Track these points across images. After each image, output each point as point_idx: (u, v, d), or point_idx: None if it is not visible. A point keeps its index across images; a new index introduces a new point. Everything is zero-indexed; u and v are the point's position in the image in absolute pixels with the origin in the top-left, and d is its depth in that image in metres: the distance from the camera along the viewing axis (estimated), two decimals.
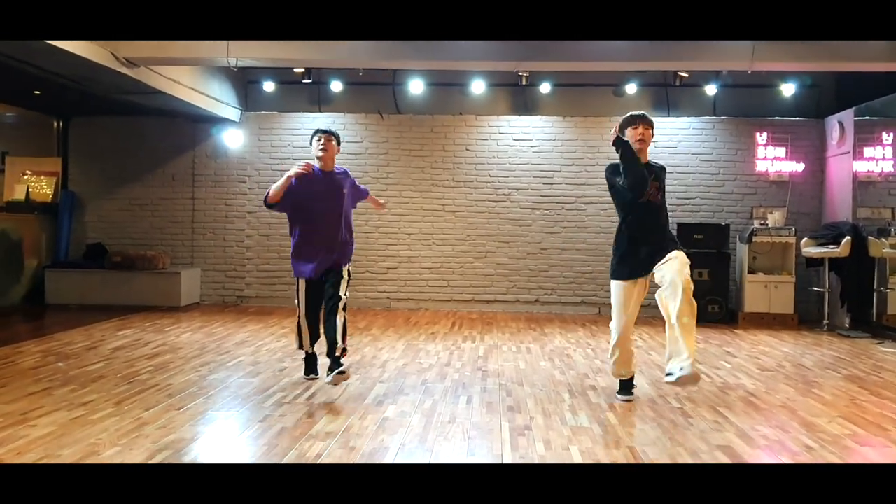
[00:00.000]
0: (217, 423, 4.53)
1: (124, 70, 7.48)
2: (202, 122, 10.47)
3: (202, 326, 8.52)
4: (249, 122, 10.66)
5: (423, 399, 5.22)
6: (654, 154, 10.10)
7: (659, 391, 5.60)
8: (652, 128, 5.29)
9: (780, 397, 5.47)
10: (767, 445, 4.25)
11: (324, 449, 3.98)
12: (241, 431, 4.38)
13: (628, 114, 5.34)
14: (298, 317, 5.65)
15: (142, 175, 10.78)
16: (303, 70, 9.33)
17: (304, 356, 5.87)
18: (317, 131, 5.72)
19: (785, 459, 4.01)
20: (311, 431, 4.32)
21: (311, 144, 5.71)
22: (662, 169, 5.41)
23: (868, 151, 9.43)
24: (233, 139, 10.57)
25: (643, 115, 5.30)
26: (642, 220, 5.21)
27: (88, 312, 9.21)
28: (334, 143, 5.69)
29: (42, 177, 10.99)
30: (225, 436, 4.30)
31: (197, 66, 8.80)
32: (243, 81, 10.55)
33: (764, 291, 9.52)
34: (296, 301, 5.68)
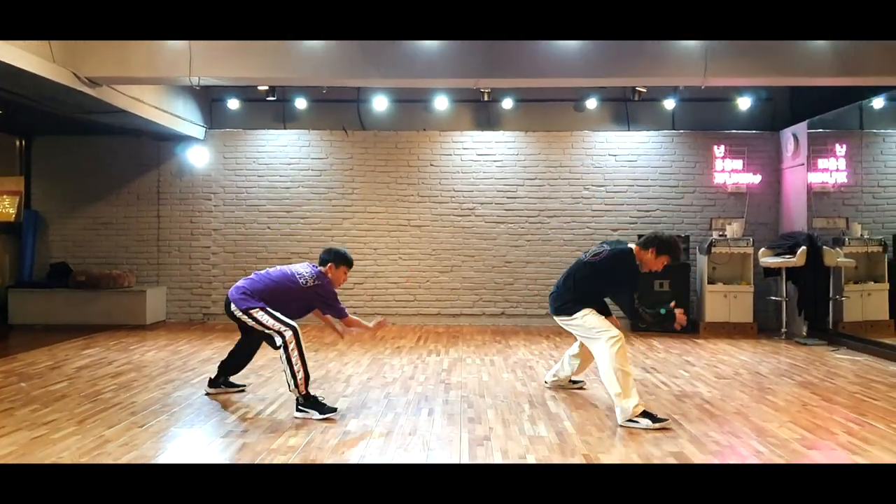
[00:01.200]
0: (179, 439, 4.56)
1: (86, 90, 7.49)
2: (166, 141, 10.49)
3: (168, 344, 8.51)
4: (214, 139, 10.69)
5: (385, 412, 5.29)
6: (614, 167, 10.37)
7: None
8: None
9: (735, 404, 5.62)
10: (718, 451, 4.38)
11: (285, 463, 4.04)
12: (204, 448, 4.42)
13: (671, 242, 5.39)
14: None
15: (106, 194, 10.75)
16: (267, 88, 9.37)
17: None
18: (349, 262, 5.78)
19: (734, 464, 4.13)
20: (273, 446, 4.37)
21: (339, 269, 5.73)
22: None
23: (822, 163, 9.70)
24: (197, 157, 10.59)
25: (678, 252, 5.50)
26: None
27: (53, 332, 9.16)
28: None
29: (5, 196, 10.91)
30: (187, 453, 4.34)
31: (159, 84, 8.82)
32: (207, 99, 10.59)
33: (724, 301, 9.72)
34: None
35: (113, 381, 6.32)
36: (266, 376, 6.61)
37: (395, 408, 5.43)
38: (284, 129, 10.68)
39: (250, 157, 10.67)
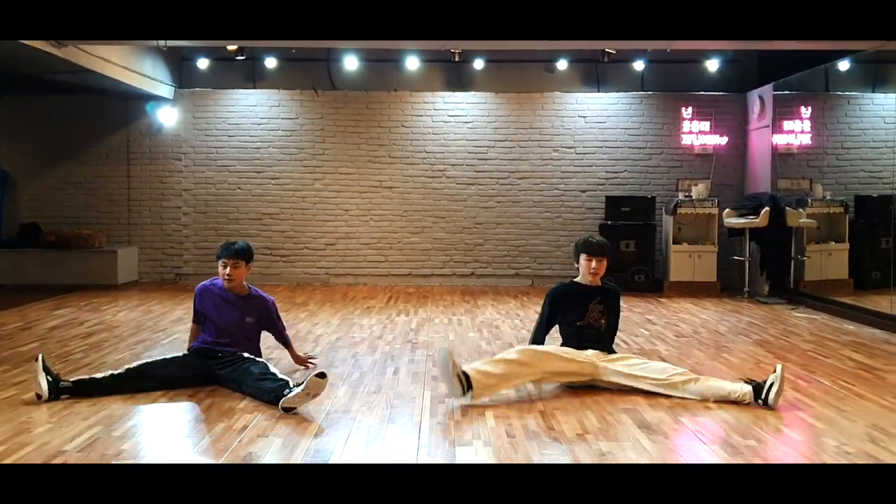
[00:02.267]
0: (148, 397, 4.66)
1: (53, 50, 7.42)
2: (135, 100, 10.40)
3: (139, 304, 8.57)
4: (184, 99, 10.62)
5: (351, 371, 5.43)
6: (583, 129, 10.46)
7: None
8: (606, 259, 5.07)
9: (691, 362, 5.81)
10: (670, 407, 4.55)
11: (250, 421, 4.16)
12: (171, 407, 4.53)
13: (587, 239, 5.10)
14: None
15: (75, 153, 10.68)
16: (236, 47, 9.33)
17: None
18: (220, 253, 5.11)
19: (683, 419, 4.31)
20: (240, 405, 4.48)
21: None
22: (614, 293, 5.25)
23: (787, 125, 9.86)
24: (167, 117, 10.53)
25: (602, 247, 5.08)
26: (579, 340, 5.04)
27: (23, 293, 9.16)
28: (242, 266, 5.12)
29: None
30: (155, 411, 4.45)
31: (125, 45, 8.74)
32: (177, 59, 10.49)
33: (688, 261, 9.92)
34: None
35: (84, 342, 6.40)
36: None
37: (362, 367, 5.56)
38: (254, 88, 10.63)
39: (220, 117, 10.63)
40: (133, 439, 3.87)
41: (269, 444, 3.80)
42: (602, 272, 5.12)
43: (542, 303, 5.37)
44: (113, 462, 3.54)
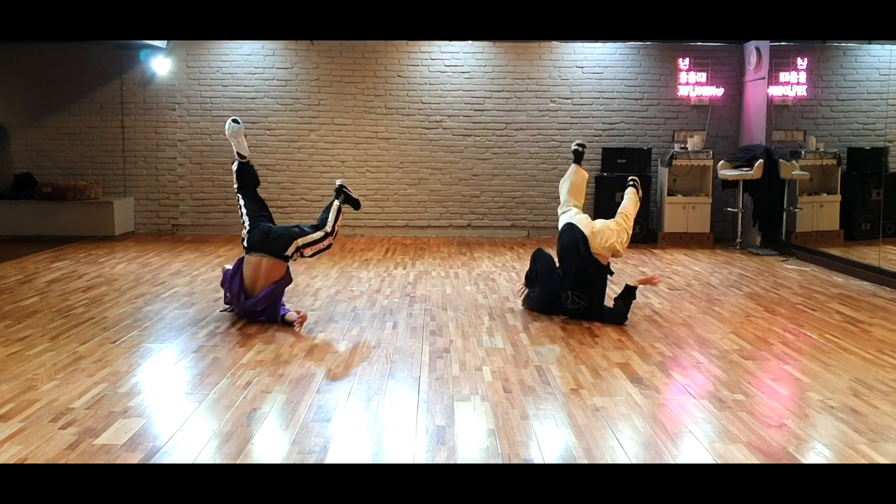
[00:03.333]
0: (152, 355, 4.77)
1: None
2: (128, 49, 10.31)
3: (137, 257, 8.64)
4: (178, 48, 10.52)
5: (351, 326, 5.54)
6: (580, 80, 10.42)
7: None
8: None
9: (682, 315, 5.94)
10: (662, 361, 4.69)
11: (253, 377, 4.27)
12: (175, 363, 4.64)
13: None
14: None
15: (69, 104, 10.62)
16: None
17: None
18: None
19: (675, 374, 4.44)
20: (243, 360, 4.60)
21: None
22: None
23: (783, 76, 9.85)
24: (161, 66, 10.45)
25: None
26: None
27: (20, 244, 9.22)
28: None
29: None
30: (159, 368, 4.56)
31: None
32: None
33: (682, 212, 10.01)
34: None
35: (84, 296, 6.48)
36: None
37: (361, 321, 5.67)
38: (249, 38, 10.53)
39: (214, 67, 10.55)
40: (139, 396, 3.98)
41: (273, 400, 3.91)
42: None
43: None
44: (111, 461, 3.64)
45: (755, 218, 9.73)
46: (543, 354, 4.81)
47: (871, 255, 8.10)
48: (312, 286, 7.02)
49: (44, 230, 9.94)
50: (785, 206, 9.57)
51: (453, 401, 3.93)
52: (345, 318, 5.80)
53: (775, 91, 9.83)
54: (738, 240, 9.73)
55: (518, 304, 6.27)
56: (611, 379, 4.31)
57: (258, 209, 5.79)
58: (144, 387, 4.16)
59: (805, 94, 9.80)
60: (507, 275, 7.73)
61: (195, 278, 7.37)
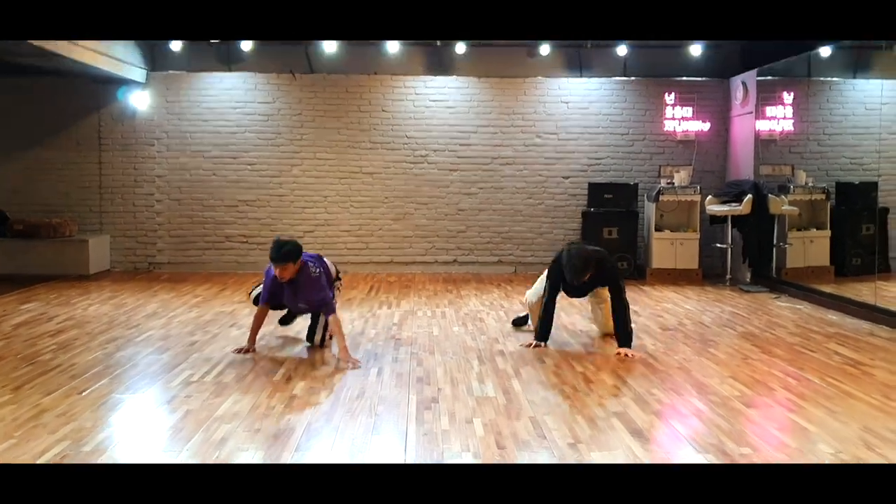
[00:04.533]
0: (121, 407, 4.49)
1: None
2: (106, 84, 10.08)
3: (112, 297, 8.35)
4: (157, 82, 10.32)
5: (333, 373, 5.27)
6: (566, 115, 10.31)
7: (565, 354, 5.79)
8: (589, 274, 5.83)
9: (678, 358, 5.72)
10: (660, 410, 4.47)
11: (229, 433, 3.99)
12: (145, 416, 4.36)
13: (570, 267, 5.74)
14: None
15: (44, 138, 10.35)
16: None
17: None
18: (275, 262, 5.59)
19: (676, 424, 4.22)
20: (218, 413, 4.32)
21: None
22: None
23: (770, 111, 9.78)
24: (139, 101, 10.23)
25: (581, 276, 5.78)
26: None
27: None
28: (291, 266, 5.59)
29: None
30: (128, 422, 4.28)
31: None
32: (149, 41, 10.17)
33: (670, 248, 9.85)
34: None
35: (53, 341, 6.18)
36: (213, 332, 6.54)
37: (344, 369, 5.40)
38: (230, 71, 10.35)
39: (194, 101, 10.35)
40: (104, 455, 3.70)
41: (249, 458, 3.65)
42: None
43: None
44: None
45: (744, 254, 9.59)
46: (537, 403, 4.57)
47: (864, 291, 7.95)
48: (293, 328, 6.74)
49: (15, 269, 9.60)
50: (774, 242, 9.43)
51: (443, 457, 3.68)
52: (326, 364, 5.54)
53: (762, 125, 9.75)
54: (728, 276, 9.57)
55: (507, 346, 6.06)
56: (609, 431, 4.08)
57: None
58: (111, 444, 3.88)
59: (792, 128, 9.72)
60: (496, 314, 7.51)
61: (171, 320, 7.08)
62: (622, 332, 5.85)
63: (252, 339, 5.88)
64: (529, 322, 6.59)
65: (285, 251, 5.50)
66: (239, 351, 5.80)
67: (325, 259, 6.07)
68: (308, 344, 6.00)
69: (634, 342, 5.93)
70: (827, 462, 3.66)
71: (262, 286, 5.92)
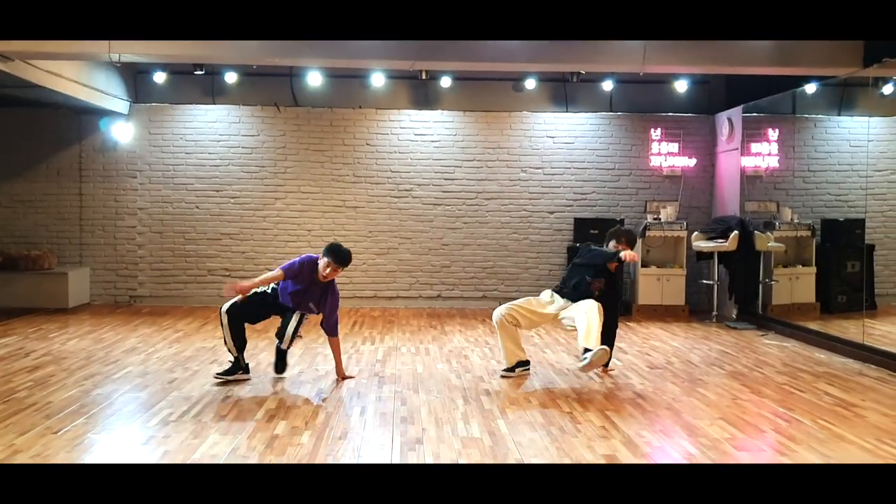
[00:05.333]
0: (95, 448, 4.34)
1: None
2: (88, 114, 9.99)
3: (91, 331, 8.18)
4: (139, 114, 10.24)
5: (315, 412, 5.14)
6: (551, 149, 10.31)
7: (552, 393, 5.70)
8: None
9: (667, 398, 5.64)
10: (650, 453, 4.37)
11: None
12: (120, 458, 4.22)
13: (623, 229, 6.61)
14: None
15: (24, 170, 10.21)
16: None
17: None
18: (335, 260, 5.95)
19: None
20: (196, 455, 4.19)
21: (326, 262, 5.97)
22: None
23: (755, 147, 9.82)
24: (122, 132, 10.14)
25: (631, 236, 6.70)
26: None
27: None
28: (338, 271, 6.04)
29: None
30: (106, 455, 4.13)
31: (77, 60, 8.35)
32: (132, 72, 10.11)
33: (656, 284, 9.80)
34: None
35: (29, 377, 6.01)
36: (193, 369, 6.40)
37: (327, 407, 5.28)
38: (213, 104, 10.28)
39: (178, 133, 10.27)
40: None
41: None
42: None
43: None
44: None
45: (731, 290, 9.57)
46: (524, 445, 4.46)
47: (850, 329, 7.92)
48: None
49: None
50: (760, 279, 9.42)
51: None
52: (308, 403, 5.41)
53: (748, 162, 9.78)
54: (714, 313, 9.53)
55: (492, 384, 5.96)
56: None
57: None
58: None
59: (777, 165, 9.76)
60: (480, 350, 7.40)
61: (150, 356, 6.93)
62: (609, 335, 6.09)
63: (255, 285, 6.03)
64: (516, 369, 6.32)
65: (349, 257, 6.02)
66: (232, 287, 6.00)
67: None
68: (277, 341, 6.13)
69: (621, 379, 5.88)
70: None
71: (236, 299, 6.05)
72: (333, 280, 6.05)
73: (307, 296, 5.99)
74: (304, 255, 6.09)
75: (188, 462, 4.07)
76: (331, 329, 6.11)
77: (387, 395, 5.62)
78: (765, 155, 9.78)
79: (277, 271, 6.00)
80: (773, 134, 9.76)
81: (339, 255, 5.92)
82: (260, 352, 7.10)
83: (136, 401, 5.39)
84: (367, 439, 4.54)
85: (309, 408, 5.25)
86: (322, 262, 5.93)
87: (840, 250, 9.26)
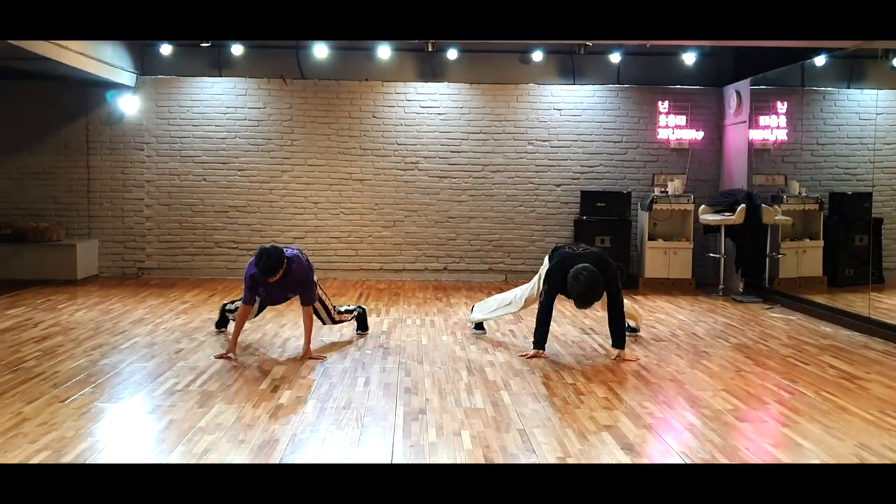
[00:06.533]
0: (102, 416, 4.39)
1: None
2: (95, 87, 9.98)
3: (99, 302, 8.24)
4: (146, 86, 10.22)
5: (320, 382, 5.18)
6: (558, 122, 10.25)
7: (556, 365, 5.72)
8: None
9: (671, 370, 5.65)
10: (652, 424, 4.39)
11: (212, 443, 3.91)
12: (127, 426, 4.27)
13: (579, 291, 5.52)
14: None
15: (31, 142, 10.23)
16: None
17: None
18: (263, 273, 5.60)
19: (668, 439, 4.15)
20: (201, 423, 4.23)
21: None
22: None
23: (763, 120, 9.74)
24: (129, 105, 10.13)
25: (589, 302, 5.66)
26: None
27: None
28: (278, 275, 5.62)
29: None
30: (109, 432, 4.18)
31: None
32: (139, 45, 10.07)
33: (663, 257, 9.80)
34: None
35: (37, 347, 6.08)
36: (199, 340, 6.45)
37: (331, 377, 5.32)
38: (220, 76, 10.25)
39: (184, 106, 10.25)
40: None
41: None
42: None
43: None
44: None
45: (737, 264, 9.54)
46: (527, 416, 4.49)
47: (857, 302, 7.91)
48: (280, 336, 6.66)
49: (2, 274, 9.48)
50: (767, 252, 9.39)
51: None
52: (314, 372, 5.45)
53: (756, 135, 9.71)
54: (721, 286, 9.51)
55: (496, 356, 5.99)
56: (599, 445, 4.00)
57: None
58: (91, 455, 3.78)
59: (786, 138, 9.69)
60: (486, 324, 7.41)
61: (157, 327, 6.98)
62: (617, 332, 5.88)
63: (234, 342, 5.82)
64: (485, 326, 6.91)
65: (273, 263, 5.52)
66: (221, 356, 5.73)
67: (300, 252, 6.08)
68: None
69: (628, 350, 5.92)
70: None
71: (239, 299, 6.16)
72: (291, 274, 5.72)
73: (275, 296, 6.01)
74: (247, 268, 5.82)
75: (194, 427, 4.12)
76: (303, 300, 5.98)
77: (391, 366, 5.66)
78: (773, 128, 9.71)
79: (240, 303, 6.00)
80: (781, 107, 9.68)
81: (259, 267, 5.54)
82: (266, 323, 7.13)
83: (143, 370, 5.45)
84: (370, 409, 4.58)
85: (313, 378, 5.29)
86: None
87: (848, 224, 9.21)
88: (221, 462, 3.67)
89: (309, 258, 6.11)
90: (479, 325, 7.01)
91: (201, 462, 3.67)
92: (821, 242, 9.42)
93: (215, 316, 7.07)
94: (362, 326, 6.84)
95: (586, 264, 5.60)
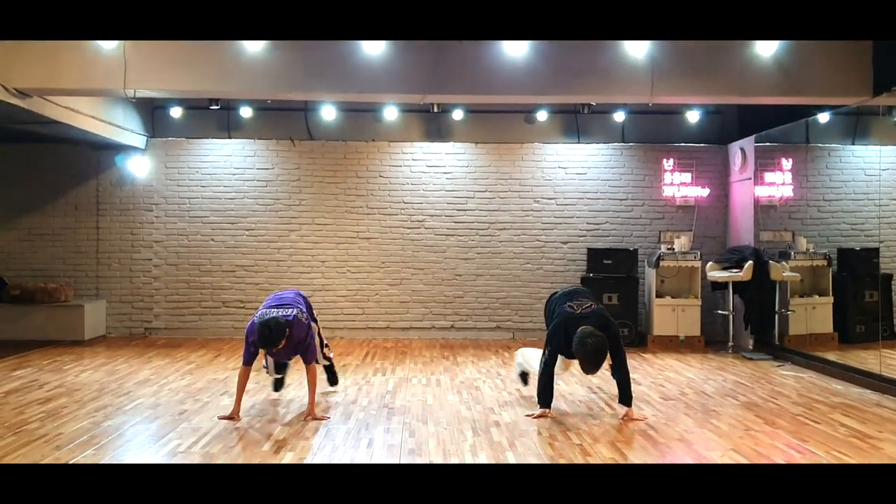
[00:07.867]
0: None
1: (15, 101, 7.18)
2: (105, 149, 10.15)
3: (105, 363, 8.22)
4: (156, 148, 10.39)
5: (323, 444, 5.13)
6: (564, 180, 10.32)
7: (562, 425, 5.65)
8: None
9: (679, 429, 5.57)
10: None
11: None
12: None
13: (585, 357, 5.50)
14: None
15: (42, 204, 10.36)
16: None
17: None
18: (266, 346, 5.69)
19: None
20: None
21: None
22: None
23: (769, 177, 9.78)
24: (138, 166, 10.28)
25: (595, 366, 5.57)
26: None
27: None
28: (281, 344, 5.66)
29: None
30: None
31: (93, 96, 8.48)
32: (149, 107, 10.27)
33: (671, 314, 9.74)
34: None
35: (41, 409, 6.05)
36: (204, 401, 6.41)
37: (334, 438, 5.27)
38: (229, 138, 10.42)
39: (193, 167, 10.39)
40: None
41: None
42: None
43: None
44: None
45: (746, 321, 9.47)
46: None
47: (869, 359, 7.80)
48: (285, 395, 6.62)
49: (11, 335, 9.51)
50: (776, 309, 9.32)
51: None
52: (317, 434, 5.40)
53: (761, 191, 9.74)
54: (730, 343, 9.43)
55: (503, 416, 5.91)
56: None
57: None
58: None
59: (792, 194, 9.70)
60: (493, 382, 7.36)
61: (162, 388, 6.95)
62: (623, 389, 5.82)
63: (238, 403, 5.79)
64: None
65: (275, 336, 5.56)
66: (224, 418, 5.69)
67: (303, 297, 6.35)
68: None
69: (636, 412, 5.84)
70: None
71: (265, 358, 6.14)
72: (293, 338, 5.72)
73: (279, 356, 5.99)
74: (247, 330, 5.86)
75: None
76: (305, 360, 5.93)
77: (395, 427, 5.59)
78: (778, 184, 9.74)
79: (241, 367, 5.84)
80: (786, 163, 9.72)
81: (262, 341, 5.58)
82: (269, 382, 7.08)
83: (146, 432, 5.41)
84: None
85: (316, 440, 5.24)
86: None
87: (857, 279, 9.16)
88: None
89: (307, 297, 6.43)
90: (523, 377, 6.78)
91: None
92: (830, 298, 9.35)
93: (220, 376, 7.05)
94: (332, 380, 6.89)
95: (591, 329, 5.54)
